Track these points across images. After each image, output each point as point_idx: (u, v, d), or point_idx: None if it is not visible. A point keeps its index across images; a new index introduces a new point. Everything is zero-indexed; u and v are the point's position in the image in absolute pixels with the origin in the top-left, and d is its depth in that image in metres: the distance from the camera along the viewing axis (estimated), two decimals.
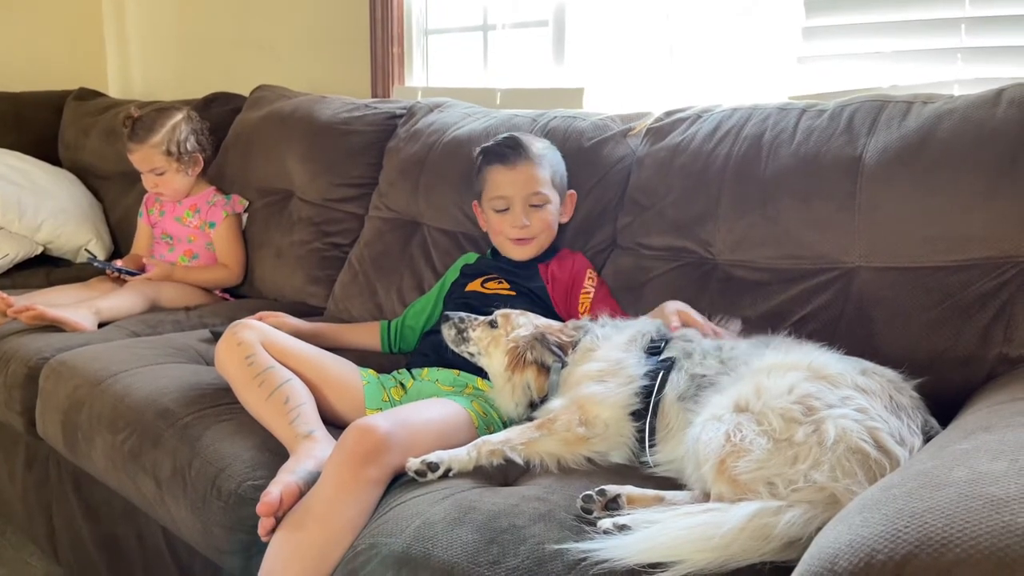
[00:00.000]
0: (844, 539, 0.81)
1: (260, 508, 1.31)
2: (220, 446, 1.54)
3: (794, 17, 2.09)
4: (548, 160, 1.89)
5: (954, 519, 0.76)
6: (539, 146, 1.91)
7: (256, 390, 1.57)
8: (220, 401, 1.67)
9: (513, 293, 1.82)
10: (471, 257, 2.03)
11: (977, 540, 0.73)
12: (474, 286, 1.89)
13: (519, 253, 1.90)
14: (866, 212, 1.59)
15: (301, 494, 1.34)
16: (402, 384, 1.74)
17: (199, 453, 1.55)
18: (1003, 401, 1.21)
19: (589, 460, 1.38)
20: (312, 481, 1.35)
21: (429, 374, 1.74)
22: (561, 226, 1.99)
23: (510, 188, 1.87)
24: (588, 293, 1.83)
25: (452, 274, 2.02)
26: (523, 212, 1.86)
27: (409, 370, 1.78)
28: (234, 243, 2.67)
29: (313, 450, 1.43)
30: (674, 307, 1.62)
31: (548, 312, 1.72)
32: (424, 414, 1.49)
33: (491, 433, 1.46)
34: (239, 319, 1.76)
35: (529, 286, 1.84)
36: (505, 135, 1.94)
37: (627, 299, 1.86)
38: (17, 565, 2.22)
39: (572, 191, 1.94)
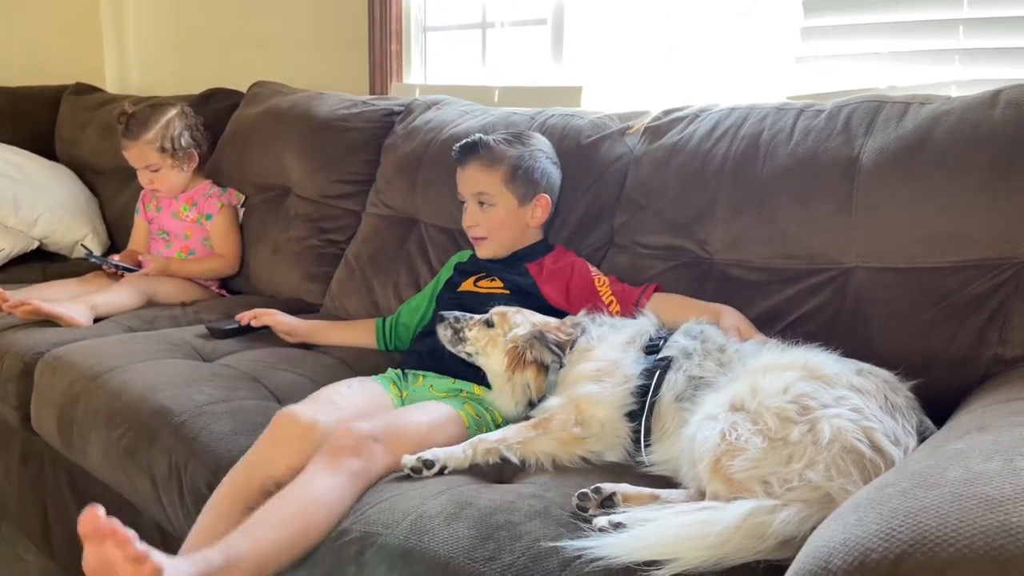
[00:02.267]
0: (838, 538, 0.81)
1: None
2: (217, 446, 1.53)
3: (792, 17, 2.09)
4: (510, 160, 1.87)
5: (948, 518, 0.76)
6: (504, 148, 1.89)
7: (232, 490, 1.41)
8: (216, 399, 1.67)
9: (507, 291, 1.82)
10: (464, 255, 2.03)
11: (971, 539, 0.73)
12: (467, 285, 1.90)
13: (478, 250, 1.94)
14: (863, 212, 1.59)
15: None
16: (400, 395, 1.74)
17: (195, 453, 1.54)
18: (998, 401, 1.21)
19: (584, 459, 1.38)
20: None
21: (424, 381, 1.73)
22: (555, 226, 1.99)
23: (461, 187, 1.94)
24: (600, 276, 1.82)
25: (446, 272, 2.02)
26: (472, 210, 1.91)
27: (404, 372, 1.78)
28: (230, 233, 2.66)
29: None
30: (733, 322, 1.57)
31: (541, 308, 1.72)
32: (411, 418, 1.49)
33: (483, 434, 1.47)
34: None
35: (520, 283, 1.84)
36: (473, 135, 1.95)
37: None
38: (12, 561, 2.22)
39: (544, 195, 1.91)
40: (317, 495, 1.28)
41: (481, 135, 1.93)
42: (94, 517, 1.13)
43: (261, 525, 1.26)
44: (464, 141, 1.93)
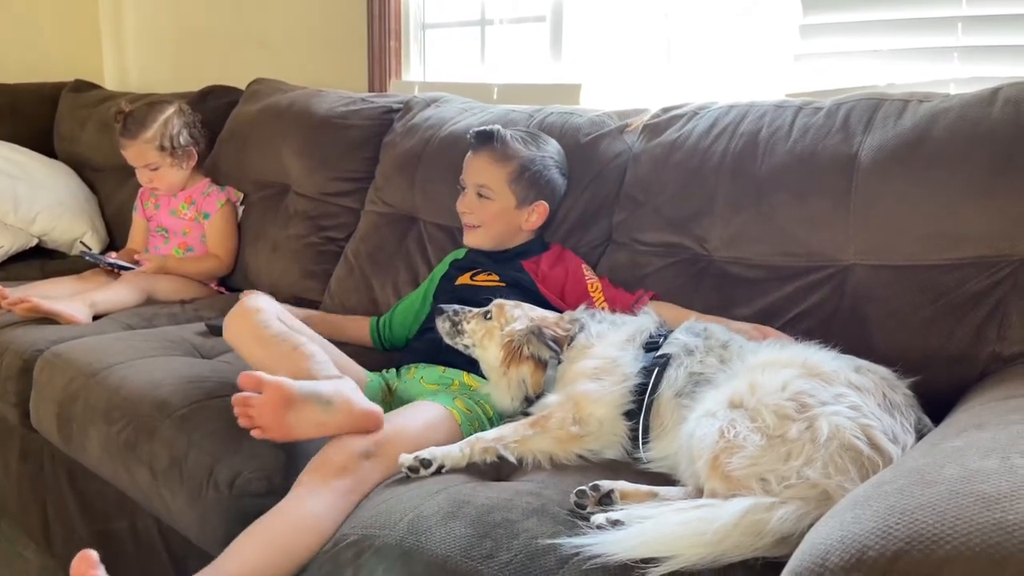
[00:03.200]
0: (835, 535, 0.81)
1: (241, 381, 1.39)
2: (217, 437, 1.54)
3: (791, 15, 2.09)
4: (519, 161, 1.88)
5: (945, 516, 0.76)
6: (518, 147, 1.89)
7: (277, 345, 1.54)
8: (216, 393, 1.67)
9: (503, 284, 1.83)
10: (460, 253, 2.03)
11: (968, 537, 0.73)
12: (464, 279, 1.90)
13: (467, 237, 1.95)
14: (861, 210, 1.59)
15: (288, 397, 1.36)
16: (389, 387, 1.74)
17: (195, 444, 1.55)
18: (996, 399, 1.22)
19: (581, 457, 1.38)
20: (310, 392, 1.39)
21: (415, 372, 1.74)
22: (554, 223, 1.99)
23: (465, 173, 1.95)
24: (593, 281, 1.83)
25: (441, 268, 2.02)
26: (470, 198, 1.91)
27: (398, 369, 1.78)
28: (227, 233, 2.67)
29: (335, 382, 1.44)
30: (742, 324, 1.58)
31: (539, 303, 1.72)
32: (403, 423, 1.48)
33: (475, 430, 1.46)
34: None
35: (517, 278, 1.85)
36: (492, 125, 1.95)
37: None
38: (11, 558, 2.22)
39: (544, 202, 1.91)
40: (304, 515, 1.29)
41: (500, 127, 1.93)
42: (87, 560, 1.22)
43: (248, 545, 1.28)
44: (483, 128, 1.94)
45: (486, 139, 1.91)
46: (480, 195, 1.90)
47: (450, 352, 1.67)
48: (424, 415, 1.52)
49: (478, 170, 1.91)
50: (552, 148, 1.96)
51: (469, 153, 1.95)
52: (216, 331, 2.10)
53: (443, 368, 1.72)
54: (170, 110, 2.65)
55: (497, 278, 1.85)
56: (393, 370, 1.79)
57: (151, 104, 2.69)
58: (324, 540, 1.27)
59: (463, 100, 2.45)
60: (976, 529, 0.74)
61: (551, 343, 1.52)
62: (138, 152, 2.59)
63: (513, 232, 1.92)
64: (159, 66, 3.90)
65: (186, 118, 2.69)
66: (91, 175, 3.31)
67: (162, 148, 2.60)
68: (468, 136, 1.96)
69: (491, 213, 1.90)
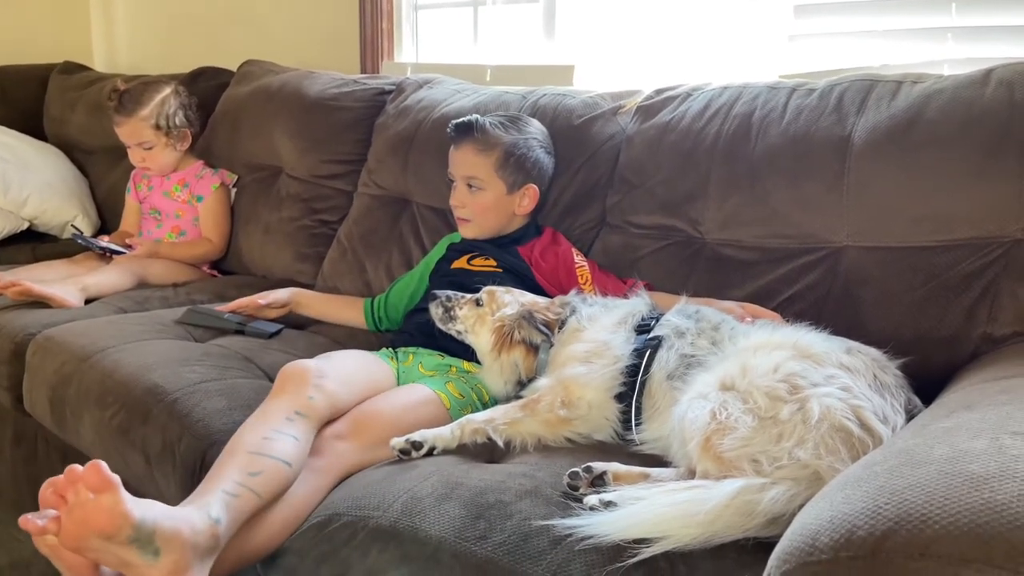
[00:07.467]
0: (825, 515, 0.82)
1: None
2: (210, 422, 1.54)
3: None
4: (503, 147, 1.86)
5: (934, 496, 0.77)
6: (500, 133, 1.88)
7: (257, 434, 1.31)
8: (209, 377, 1.67)
9: (500, 270, 1.83)
10: (457, 236, 2.02)
11: (956, 517, 0.74)
12: (460, 263, 1.90)
13: (462, 230, 1.94)
14: (854, 191, 1.59)
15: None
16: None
17: (188, 428, 1.55)
18: (986, 380, 1.22)
19: (570, 440, 1.38)
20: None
21: (414, 359, 1.74)
22: (548, 205, 1.99)
23: (452, 167, 1.93)
24: (582, 268, 1.83)
25: (437, 252, 2.02)
26: (461, 192, 1.90)
27: (395, 349, 1.78)
28: (220, 217, 2.66)
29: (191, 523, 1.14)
30: (730, 304, 1.58)
31: (534, 289, 1.72)
32: (382, 405, 1.48)
33: (468, 413, 1.47)
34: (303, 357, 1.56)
35: (513, 263, 1.85)
36: (470, 116, 1.93)
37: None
38: (5, 540, 2.22)
39: (534, 185, 1.90)
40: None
41: (477, 116, 1.92)
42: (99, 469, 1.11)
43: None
44: (460, 120, 1.92)
45: (466, 130, 1.89)
46: (471, 186, 1.89)
47: (444, 337, 1.67)
48: (404, 397, 1.52)
49: (464, 162, 1.90)
50: (534, 128, 1.95)
51: (452, 147, 1.93)
52: (191, 316, 2.06)
53: (441, 355, 1.72)
54: (167, 90, 2.64)
55: (495, 263, 1.85)
56: (390, 350, 1.79)
57: (147, 83, 2.67)
58: (298, 513, 1.27)
59: (456, 81, 2.44)
60: (965, 509, 0.74)
61: (541, 327, 1.52)
62: (133, 129, 2.58)
63: (507, 218, 1.92)
64: (149, 47, 3.86)
65: (182, 99, 2.67)
66: (81, 157, 3.29)
67: (157, 127, 2.58)
68: (447, 130, 1.94)
69: (484, 204, 1.89)
